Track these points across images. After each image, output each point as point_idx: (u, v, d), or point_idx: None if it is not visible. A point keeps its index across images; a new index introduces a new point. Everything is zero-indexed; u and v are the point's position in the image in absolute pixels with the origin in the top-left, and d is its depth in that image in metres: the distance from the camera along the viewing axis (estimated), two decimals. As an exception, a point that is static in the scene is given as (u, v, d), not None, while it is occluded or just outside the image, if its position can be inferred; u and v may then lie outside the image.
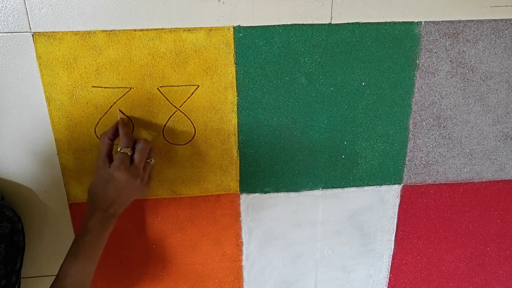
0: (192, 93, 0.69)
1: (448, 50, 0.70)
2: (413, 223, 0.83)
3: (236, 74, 0.68)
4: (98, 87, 0.66)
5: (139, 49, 0.65)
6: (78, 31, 0.63)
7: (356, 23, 0.67)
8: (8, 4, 0.60)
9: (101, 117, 0.68)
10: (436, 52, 0.70)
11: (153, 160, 0.66)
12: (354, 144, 0.75)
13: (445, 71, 0.71)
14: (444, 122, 0.75)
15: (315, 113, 0.72)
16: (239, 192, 0.77)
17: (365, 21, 0.67)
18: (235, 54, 0.67)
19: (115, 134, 0.65)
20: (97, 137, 0.69)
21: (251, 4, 0.64)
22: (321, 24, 0.66)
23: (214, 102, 0.70)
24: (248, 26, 0.65)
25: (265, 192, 0.77)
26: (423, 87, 0.72)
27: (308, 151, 0.75)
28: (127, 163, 0.61)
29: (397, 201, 0.81)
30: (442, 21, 0.68)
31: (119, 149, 0.62)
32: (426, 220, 0.83)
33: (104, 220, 0.62)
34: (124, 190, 0.62)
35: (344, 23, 0.67)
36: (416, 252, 0.86)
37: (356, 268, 0.86)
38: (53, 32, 0.63)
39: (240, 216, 0.79)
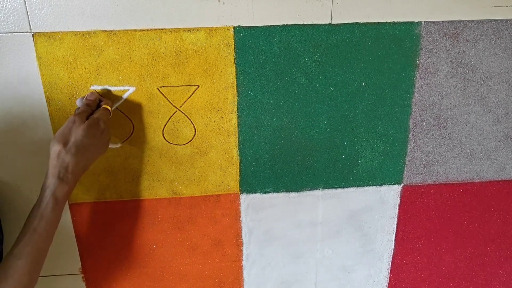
0: (192, 93, 0.69)
1: (448, 50, 0.70)
2: (413, 223, 0.83)
3: (236, 74, 0.68)
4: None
5: (139, 49, 0.65)
6: (78, 31, 0.63)
7: (356, 23, 0.67)
8: (9, 5, 0.60)
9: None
10: (436, 52, 0.70)
11: (108, 108, 0.65)
12: (354, 144, 0.75)
13: (445, 71, 0.71)
14: (444, 122, 0.75)
15: (315, 113, 0.72)
16: (239, 192, 0.77)
17: (365, 21, 0.67)
18: (235, 54, 0.67)
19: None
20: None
21: (251, 4, 0.64)
22: (321, 24, 0.66)
23: (214, 102, 0.70)
24: (248, 26, 0.65)
25: (265, 192, 0.77)
26: (423, 87, 0.72)
27: (308, 151, 0.75)
28: (83, 118, 0.60)
29: (397, 201, 0.81)
30: (442, 21, 0.68)
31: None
32: (426, 220, 0.83)
33: (70, 191, 0.59)
34: (86, 146, 0.59)
35: (344, 23, 0.67)
36: (416, 252, 0.86)
37: (356, 268, 0.86)
38: (53, 32, 0.63)
39: (240, 216, 0.79)
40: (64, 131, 0.59)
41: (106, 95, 0.67)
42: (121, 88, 0.67)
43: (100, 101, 0.65)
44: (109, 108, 0.64)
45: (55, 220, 0.58)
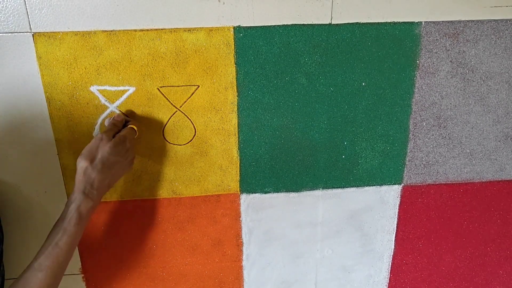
0: (193, 93, 0.69)
1: (448, 50, 0.70)
2: (413, 223, 0.83)
3: (236, 74, 0.68)
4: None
5: (139, 49, 0.65)
6: (78, 31, 0.63)
7: (356, 23, 0.67)
8: (9, 5, 0.60)
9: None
10: (436, 52, 0.70)
11: (135, 128, 0.67)
12: (354, 144, 0.75)
13: (445, 71, 0.71)
14: (444, 122, 0.75)
15: (315, 113, 0.72)
16: (239, 192, 0.77)
17: (365, 21, 0.67)
18: (235, 54, 0.67)
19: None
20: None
21: (251, 4, 0.64)
22: (321, 24, 0.66)
23: (214, 102, 0.70)
24: (248, 26, 0.65)
25: (265, 192, 0.77)
26: (423, 87, 0.72)
27: (308, 151, 0.75)
28: (110, 136, 0.62)
29: (397, 201, 0.81)
30: (442, 21, 0.68)
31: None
32: (426, 220, 0.83)
33: (94, 207, 0.60)
34: (112, 163, 0.61)
35: (344, 23, 0.67)
36: (416, 252, 0.86)
37: (356, 268, 0.86)
38: (54, 32, 0.63)
39: (240, 216, 0.79)
40: (91, 147, 0.60)
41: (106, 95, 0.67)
42: (121, 88, 0.67)
43: (126, 121, 0.67)
44: (135, 128, 0.67)
45: (78, 235, 0.58)
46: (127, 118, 0.68)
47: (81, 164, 0.59)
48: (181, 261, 0.81)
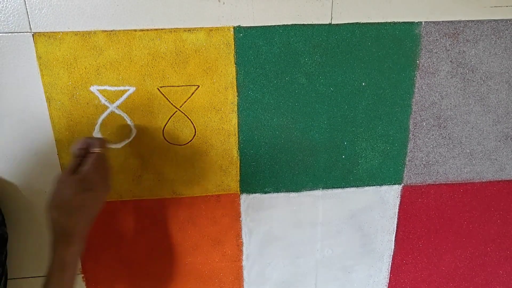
0: (192, 93, 0.69)
1: (448, 50, 0.70)
2: (413, 223, 0.83)
3: (236, 74, 0.68)
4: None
5: (139, 49, 0.65)
6: (78, 31, 0.63)
7: (356, 23, 0.67)
8: (9, 5, 0.60)
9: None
10: (436, 52, 0.70)
11: (100, 149, 0.60)
12: (354, 144, 0.75)
13: (445, 71, 0.71)
14: (444, 122, 0.75)
15: (315, 113, 0.72)
16: (239, 192, 0.77)
17: (365, 21, 0.67)
18: (235, 54, 0.67)
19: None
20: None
21: (251, 4, 0.64)
22: (321, 24, 0.66)
23: (214, 102, 0.70)
24: (248, 26, 0.65)
25: (265, 192, 0.77)
26: (423, 87, 0.72)
27: (308, 151, 0.75)
28: (71, 173, 0.57)
29: (397, 201, 0.81)
30: (442, 21, 0.68)
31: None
32: (426, 220, 0.83)
33: (76, 251, 0.56)
34: (81, 201, 0.56)
35: (344, 23, 0.67)
36: (416, 252, 0.86)
37: (356, 268, 0.86)
38: (54, 32, 0.63)
39: (240, 216, 0.79)
40: (54, 194, 0.56)
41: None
42: (121, 88, 0.67)
43: (89, 144, 0.60)
44: (100, 150, 0.60)
45: (68, 280, 0.56)
46: (90, 140, 0.61)
47: (49, 214, 0.55)
48: (181, 261, 0.81)
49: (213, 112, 0.70)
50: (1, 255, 0.68)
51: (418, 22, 0.68)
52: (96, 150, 0.60)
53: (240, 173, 0.75)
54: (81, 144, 0.60)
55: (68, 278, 0.56)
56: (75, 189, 0.55)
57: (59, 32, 0.63)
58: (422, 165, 0.78)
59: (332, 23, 0.66)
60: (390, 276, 0.88)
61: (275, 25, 0.66)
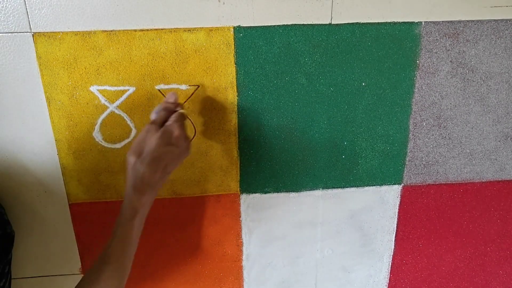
0: (192, 93, 0.69)
1: (448, 50, 0.70)
2: (413, 223, 0.83)
3: (236, 74, 0.68)
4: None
5: (139, 49, 0.65)
6: (78, 31, 0.63)
7: (356, 23, 0.67)
8: (9, 5, 0.60)
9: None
10: (436, 52, 0.70)
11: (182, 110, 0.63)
12: (354, 144, 0.75)
13: (445, 71, 0.71)
14: (444, 122, 0.75)
15: (315, 113, 0.72)
16: (239, 192, 0.77)
17: (365, 21, 0.67)
18: (235, 54, 0.67)
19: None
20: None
21: (251, 4, 0.64)
22: (321, 24, 0.66)
23: (214, 102, 0.70)
24: (248, 26, 0.65)
25: (265, 192, 0.77)
26: (423, 87, 0.72)
27: (308, 151, 0.75)
28: (157, 125, 0.59)
29: (397, 201, 0.81)
30: (442, 21, 0.68)
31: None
32: (426, 220, 0.83)
33: (148, 201, 0.58)
34: (162, 154, 0.57)
35: (344, 23, 0.67)
36: (416, 252, 0.86)
37: (356, 268, 0.86)
38: (53, 32, 0.63)
39: (240, 216, 0.79)
40: (138, 141, 0.57)
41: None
42: (121, 88, 0.67)
43: (177, 105, 0.63)
44: (185, 112, 0.62)
45: (136, 228, 0.57)
46: (177, 103, 0.64)
47: (129, 159, 0.56)
48: (181, 261, 0.81)
49: (213, 112, 0.70)
50: (9, 254, 0.68)
51: (418, 22, 0.68)
52: (182, 110, 0.63)
53: (240, 173, 0.75)
54: (171, 98, 0.62)
55: (137, 226, 0.57)
56: (158, 141, 0.57)
57: (59, 32, 0.63)
58: (422, 165, 0.78)
59: (332, 23, 0.66)
60: (390, 276, 0.88)
61: (275, 25, 0.66)
